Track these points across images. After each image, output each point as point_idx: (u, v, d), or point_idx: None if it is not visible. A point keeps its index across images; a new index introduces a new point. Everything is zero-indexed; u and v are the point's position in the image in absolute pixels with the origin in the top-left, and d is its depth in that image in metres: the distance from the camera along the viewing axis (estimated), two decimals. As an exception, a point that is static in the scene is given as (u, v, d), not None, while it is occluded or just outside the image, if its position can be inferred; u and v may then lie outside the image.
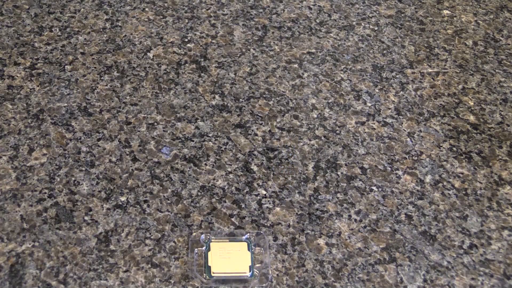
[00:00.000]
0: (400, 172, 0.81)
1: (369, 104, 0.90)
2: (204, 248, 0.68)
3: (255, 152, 0.82)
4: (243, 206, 0.76)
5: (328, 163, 0.81)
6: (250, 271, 0.66)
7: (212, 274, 0.65)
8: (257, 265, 0.67)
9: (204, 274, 0.66)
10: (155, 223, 0.75)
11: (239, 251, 0.67)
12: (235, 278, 0.66)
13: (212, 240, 0.68)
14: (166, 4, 1.05)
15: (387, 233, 0.74)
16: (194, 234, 0.69)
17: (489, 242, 0.74)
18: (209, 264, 0.65)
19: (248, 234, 0.70)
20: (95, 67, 0.93)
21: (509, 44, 1.01)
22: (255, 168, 0.80)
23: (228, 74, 0.93)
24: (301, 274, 0.70)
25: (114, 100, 0.88)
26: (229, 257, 0.66)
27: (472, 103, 0.91)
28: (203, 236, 0.69)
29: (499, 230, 0.75)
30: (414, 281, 0.70)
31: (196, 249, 0.68)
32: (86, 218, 0.76)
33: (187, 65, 0.94)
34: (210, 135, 0.84)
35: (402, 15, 1.05)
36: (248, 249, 0.67)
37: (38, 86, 0.89)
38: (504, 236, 0.75)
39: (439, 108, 0.90)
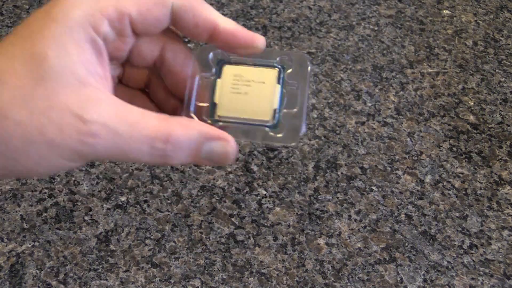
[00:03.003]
0: (400, 172, 0.81)
1: (369, 104, 0.90)
2: (212, 72, 0.40)
3: (255, 152, 0.82)
4: (243, 206, 0.76)
5: (328, 163, 0.81)
6: (273, 118, 0.38)
7: (217, 118, 0.39)
8: (285, 110, 0.39)
9: (204, 117, 0.39)
10: (155, 223, 0.75)
11: (263, 83, 0.39)
12: (248, 127, 0.39)
13: (228, 63, 0.40)
14: (166, 4, 1.05)
15: (387, 233, 0.74)
16: (200, 49, 0.40)
17: (489, 242, 0.74)
18: (215, 101, 0.39)
19: (283, 56, 0.40)
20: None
21: (509, 44, 1.01)
22: (255, 168, 0.80)
23: (228, 74, 0.93)
24: (301, 274, 0.70)
25: (114, 100, 0.88)
26: (246, 91, 0.39)
27: (472, 103, 0.91)
28: (211, 55, 0.39)
29: (499, 230, 0.75)
30: (414, 281, 0.70)
31: (198, 75, 0.39)
32: (86, 218, 0.76)
33: (187, 65, 0.94)
34: (210, 135, 0.84)
35: (402, 15, 1.05)
36: (278, 82, 0.39)
37: (38, 86, 0.89)
38: (504, 236, 0.75)
39: (439, 108, 0.90)
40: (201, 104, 0.39)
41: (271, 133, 0.39)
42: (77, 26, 0.31)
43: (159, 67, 0.38)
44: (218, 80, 0.39)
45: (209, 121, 0.38)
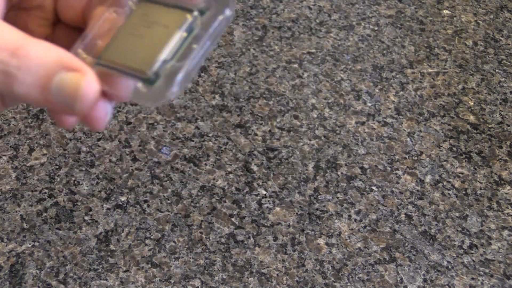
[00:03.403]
0: (400, 172, 0.81)
1: (369, 104, 0.90)
2: (126, 9, 0.32)
3: (255, 152, 0.82)
4: (243, 206, 0.76)
5: (328, 163, 0.81)
6: (152, 70, 0.29)
7: (100, 61, 0.31)
8: (176, 64, 0.29)
9: (87, 56, 0.31)
10: (155, 223, 0.75)
11: (166, 27, 0.31)
12: (127, 77, 0.30)
13: (146, 1, 0.32)
14: (166, 4, 1.05)
15: (387, 233, 0.74)
16: None
17: (489, 242, 0.74)
18: (111, 41, 0.32)
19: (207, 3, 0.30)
20: (95, 67, 0.93)
21: (509, 44, 1.01)
22: (255, 168, 0.80)
23: (228, 74, 0.93)
24: (301, 274, 0.70)
25: (114, 100, 0.88)
26: (142, 34, 0.31)
27: (472, 103, 0.91)
28: None
29: (499, 230, 0.75)
30: (414, 281, 0.70)
31: (108, 11, 0.32)
32: (86, 218, 0.76)
33: (187, 65, 0.94)
34: (210, 135, 0.84)
35: (402, 15, 1.05)
36: (185, 29, 0.30)
37: (38, 86, 0.89)
38: (504, 236, 0.75)
39: (439, 108, 0.90)
40: (99, 43, 0.32)
41: (142, 88, 0.30)
42: None
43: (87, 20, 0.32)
44: (125, 19, 0.32)
45: (91, 61, 0.31)
